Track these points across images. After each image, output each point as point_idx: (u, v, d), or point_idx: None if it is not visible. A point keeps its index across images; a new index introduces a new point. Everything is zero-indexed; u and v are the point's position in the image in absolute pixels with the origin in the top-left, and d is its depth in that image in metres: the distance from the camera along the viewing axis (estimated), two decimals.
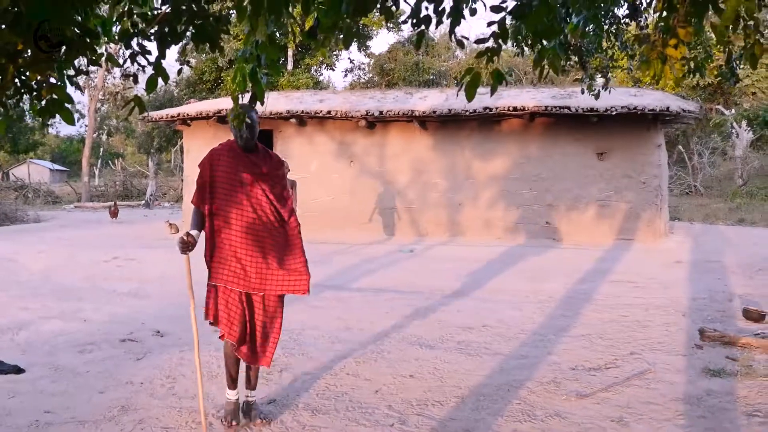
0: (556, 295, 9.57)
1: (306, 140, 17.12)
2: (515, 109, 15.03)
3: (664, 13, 2.77)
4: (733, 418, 5.01)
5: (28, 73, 2.35)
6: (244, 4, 2.37)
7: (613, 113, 14.36)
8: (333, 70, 48.00)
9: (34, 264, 12.52)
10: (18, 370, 6.04)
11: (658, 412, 5.14)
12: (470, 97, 2.83)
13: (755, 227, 19.77)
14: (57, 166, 60.01)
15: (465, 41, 4.04)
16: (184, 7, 2.58)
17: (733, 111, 37.72)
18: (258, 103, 3.23)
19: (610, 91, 5.38)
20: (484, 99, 15.86)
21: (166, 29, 2.62)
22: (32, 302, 8.98)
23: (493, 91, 3.14)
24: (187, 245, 4.64)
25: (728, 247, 14.69)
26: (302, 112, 16.48)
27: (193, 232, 4.75)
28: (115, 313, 8.39)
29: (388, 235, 16.39)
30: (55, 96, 2.32)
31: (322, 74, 44.60)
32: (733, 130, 33.98)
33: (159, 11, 2.67)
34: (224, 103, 17.35)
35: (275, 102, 17.21)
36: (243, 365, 5.00)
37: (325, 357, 6.50)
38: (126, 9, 2.63)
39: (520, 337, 7.33)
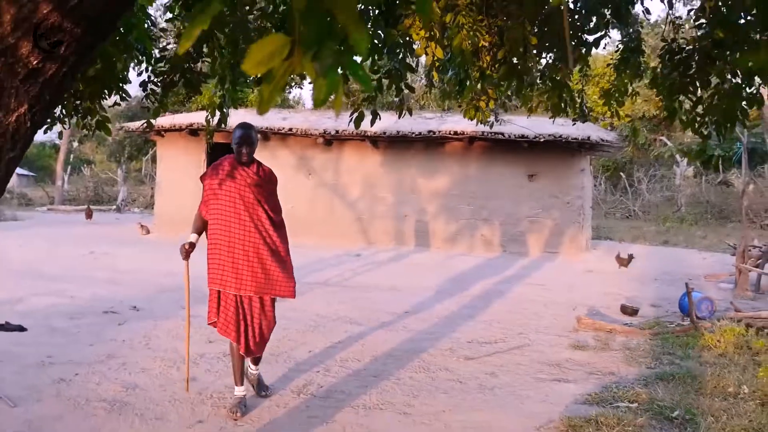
0: (475, 292, 11.06)
1: (269, 154, 18.42)
2: (456, 133, 16.58)
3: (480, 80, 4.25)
4: (576, 374, 6.51)
5: (79, 102, 3.72)
6: (216, 66, 3.79)
7: (542, 140, 16.01)
8: (301, 88, 49.21)
9: (18, 256, 13.71)
10: (21, 329, 7.35)
11: (523, 370, 6.63)
12: (357, 126, 4.23)
13: (676, 248, 21.42)
14: (24, 171, 59.84)
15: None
16: (178, 67, 4.01)
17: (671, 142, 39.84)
18: (223, 125, 4.64)
19: (501, 123, 6.78)
20: (429, 123, 17.44)
21: (167, 80, 4.06)
22: (23, 284, 10.23)
23: (372, 123, 4.55)
24: (187, 253, 5.12)
25: (640, 262, 16.29)
26: (266, 128, 17.85)
27: (193, 237, 5.16)
28: (97, 294, 9.68)
29: (340, 241, 17.77)
30: (99, 117, 3.69)
31: (290, 92, 46.00)
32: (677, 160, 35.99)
33: (163, 69, 4.12)
34: (196, 117, 18.63)
35: (242, 118, 18.46)
36: None
37: None
38: (144, 67, 4.07)
39: (433, 320, 8.78)
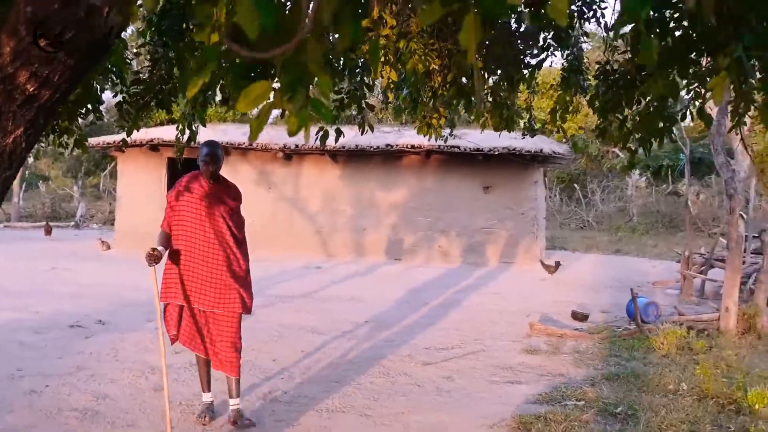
0: (433, 302, 11.35)
1: (230, 168, 18.57)
2: (413, 146, 16.92)
3: (432, 100, 4.57)
4: (528, 376, 6.84)
5: (57, 122, 3.93)
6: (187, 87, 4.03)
7: (496, 153, 16.44)
8: None
9: None
10: None
11: (479, 373, 6.95)
12: (323, 144, 4.46)
13: (627, 256, 22.00)
14: None
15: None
16: (151, 89, 4.27)
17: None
18: (192, 142, 4.89)
19: (454, 137, 7.07)
20: (387, 137, 17.76)
21: (141, 101, 4.31)
22: None
23: (336, 140, 4.79)
24: (153, 257, 4.93)
25: (594, 270, 16.80)
26: (227, 143, 17.95)
27: (159, 248, 5.04)
28: (61, 308, 9.76)
29: (301, 253, 17.95)
30: (77, 136, 3.92)
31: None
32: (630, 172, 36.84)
33: (137, 90, 4.38)
34: (156, 133, 18.68)
35: (203, 134, 18.64)
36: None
37: None
38: (119, 89, 4.31)
39: (393, 329, 9.05)
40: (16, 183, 35.40)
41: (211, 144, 5.18)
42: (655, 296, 11.64)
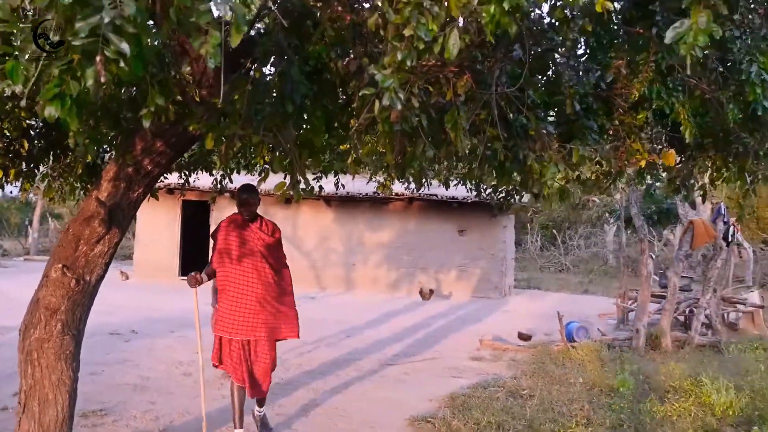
0: (407, 325, 13.23)
1: (236, 210, 20.51)
2: (397, 194, 18.87)
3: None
4: (468, 374, 8.71)
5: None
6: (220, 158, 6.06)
7: (469, 201, 18.44)
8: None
9: (21, 294, 15.49)
10: None
11: (431, 371, 8.83)
12: (297, 199, 6.45)
13: (593, 296, 23.79)
14: None
15: None
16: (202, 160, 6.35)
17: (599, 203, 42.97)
18: (224, 192, 6.81)
19: (427, 187, 8.98)
20: (375, 185, 19.75)
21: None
22: None
23: (316, 192, 6.79)
24: (194, 280, 5.42)
25: (554, 305, 18.58)
26: (234, 188, 19.96)
27: (203, 275, 5.49)
28: (99, 321, 11.50)
29: (297, 285, 19.73)
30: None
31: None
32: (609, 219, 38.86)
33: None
34: (171, 178, 20.53)
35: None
36: None
37: None
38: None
39: (370, 342, 10.92)
40: (35, 220, 37.36)
41: (246, 189, 5.57)
42: (597, 324, 13.50)
